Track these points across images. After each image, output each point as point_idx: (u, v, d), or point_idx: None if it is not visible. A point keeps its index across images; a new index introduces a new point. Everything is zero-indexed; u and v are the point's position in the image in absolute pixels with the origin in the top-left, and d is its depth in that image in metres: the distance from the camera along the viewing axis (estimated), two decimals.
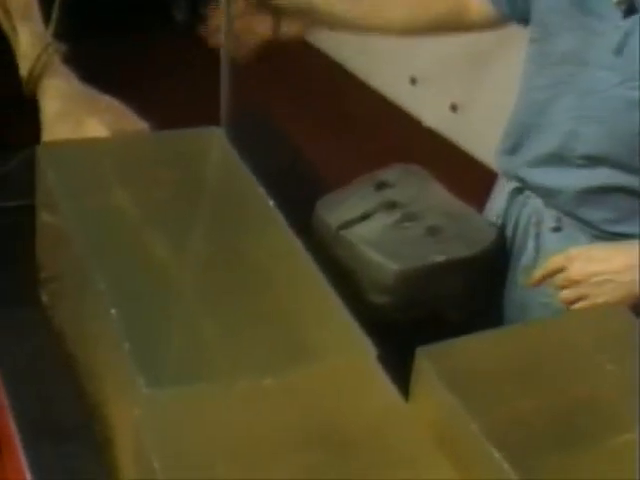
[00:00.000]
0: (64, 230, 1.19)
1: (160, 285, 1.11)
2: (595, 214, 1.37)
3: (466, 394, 0.95)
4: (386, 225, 1.31)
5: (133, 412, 0.94)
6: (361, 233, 1.30)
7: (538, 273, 1.31)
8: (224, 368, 1.00)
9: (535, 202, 1.43)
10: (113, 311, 1.02)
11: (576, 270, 1.26)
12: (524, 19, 1.43)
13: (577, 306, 1.26)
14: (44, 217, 1.28)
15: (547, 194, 1.41)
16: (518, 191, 1.46)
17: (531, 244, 1.43)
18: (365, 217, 1.32)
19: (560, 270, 1.28)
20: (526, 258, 1.43)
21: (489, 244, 1.34)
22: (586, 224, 1.39)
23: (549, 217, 1.42)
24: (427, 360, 0.97)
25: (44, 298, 1.31)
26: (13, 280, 1.35)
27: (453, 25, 1.53)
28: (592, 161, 1.35)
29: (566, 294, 1.27)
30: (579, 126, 1.34)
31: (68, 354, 1.22)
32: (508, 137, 1.46)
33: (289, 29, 1.51)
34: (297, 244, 1.15)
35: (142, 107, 1.49)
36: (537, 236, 1.43)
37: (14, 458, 1.15)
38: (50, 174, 1.24)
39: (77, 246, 1.14)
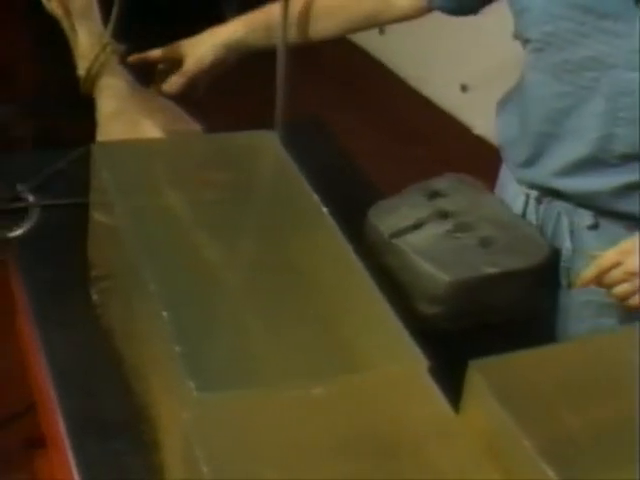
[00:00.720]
0: (116, 229, 1.20)
1: (210, 287, 1.11)
2: (633, 205, 1.36)
3: (519, 410, 0.94)
4: (438, 235, 1.30)
5: (182, 415, 0.94)
6: (413, 242, 1.29)
7: (591, 272, 1.28)
8: (273, 373, 0.99)
9: (563, 204, 1.42)
10: (164, 313, 1.02)
11: (633, 262, 1.25)
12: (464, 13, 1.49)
13: (635, 299, 1.25)
14: (97, 216, 1.29)
15: (582, 197, 1.40)
16: (539, 199, 1.45)
17: (567, 245, 1.42)
18: (417, 226, 1.31)
19: (614, 266, 1.26)
20: (563, 260, 1.42)
21: (541, 256, 1.32)
22: (624, 217, 1.38)
23: (583, 216, 1.41)
24: (480, 374, 0.96)
25: (94, 296, 1.32)
26: (63, 277, 1.36)
27: (379, 22, 1.60)
28: (629, 158, 1.34)
29: (624, 288, 1.26)
30: (614, 128, 1.33)
31: (116, 352, 1.23)
32: (522, 149, 1.44)
33: None
34: (349, 250, 1.14)
35: (195, 109, 1.50)
36: (572, 236, 1.42)
37: (61, 455, 1.16)
38: (104, 173, 1.24)
39: (129, 246, 1.15)
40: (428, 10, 1.53)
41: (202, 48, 1.52)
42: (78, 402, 1.19)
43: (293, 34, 1.52)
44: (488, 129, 3.01)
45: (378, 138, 3.00)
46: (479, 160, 2.78)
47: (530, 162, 1.43)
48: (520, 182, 1.47)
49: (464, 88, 3.06)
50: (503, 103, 1.51)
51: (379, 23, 1.61)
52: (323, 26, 1.55)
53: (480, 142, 2.99)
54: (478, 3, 1.49)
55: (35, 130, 2.76)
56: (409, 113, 3.15)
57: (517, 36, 1.42)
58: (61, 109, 2.53)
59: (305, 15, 1.53)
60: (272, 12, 1.50)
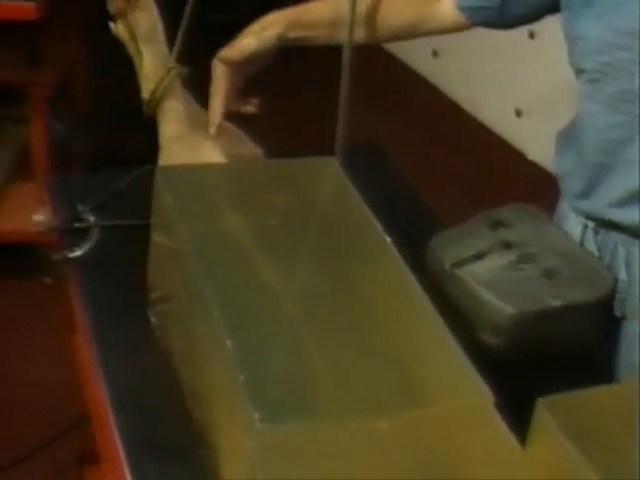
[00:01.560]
0: (178, 253, 1.20)
1: (272, 314, 1.11)
2: None
3: (587, 447, 0.92)
4: (501, 265, 1.29)
5: (246, 445, 0.94)
6: (475, 272, 1.28)
7: None
8: (337, 405, 0.98)
9: (619, 235, 1.40)
10: (228, 341, 1.02)
11: None
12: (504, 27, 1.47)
13: None
14: (158, 239, 1.29)
15: (638, 229, 1.38)
16: (596, 229, 1.43)
17: (622, 276, 1.40)
18: (480, 256, 1.29)
19: None
20: (618, 291, 1.39)
21: (605, 289, 1.30)
22: None
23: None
24: (548, 411, 0.94)
25: (153, 318, 1.32)
26: (123, 298, 1.36)
27: (418, 33, 1.57)
28: None
29: None
30: None
31: (175, 375, 1.23)
32: (578, 180, 1.42)
33: None
34: (413, 281, 1.14)
35: (257, 132, 1.50)
36: (627, 267, 1.40)
37: (118, 477, 1.16)
38: (167, 197, 1.25)
39: (191, 270, 1.15)
40: (468, 26, 1.51)
41: (247, 38, 1.48)
42: (136, 425, 1.19)
43: (330, 36, 1.51)
44: (542, 155, 2.99)
45: (430, 161, 2.99)
46: (533, 186, 2.77)
47: (586, 193, 1.42)
48: (577, 213, 1.46)
49: (518, 113, 3.03)
50: (562, 133, 1.50)
51: (418, 34, 1.59)
52: (360, 33, 1.52)
53: (534, 168, 2.97)
54: (519, 19, 1.47)
55: (95, 147, 2.80)
56: (462, 137, 3.14)
57: (571, 64, 1.40)
58: (121, 126, 2.56)
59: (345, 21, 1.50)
60: (313, 10, 1.48)
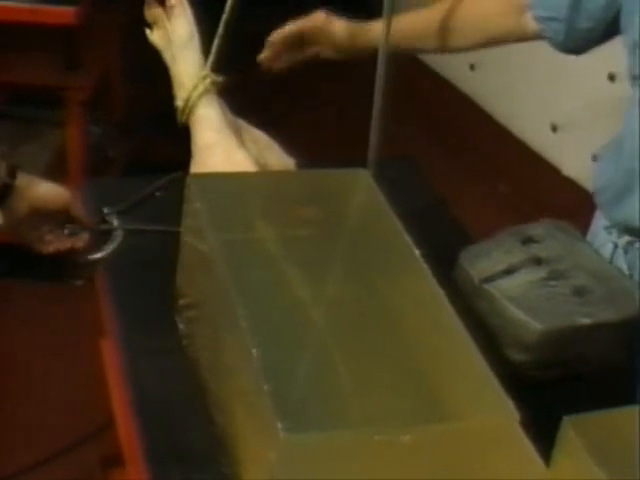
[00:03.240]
0: (208, 261, 1.20)
1: (299, 325, 1.11)
2: None
3: (613, 468, 0.91)
4: (531, 282, 1.28)
5: (268, 454, 0.94)
6: (505, 288, 1.27)
7: None
8: (361, 417, 0.98)
9: None
10: (254, 350, 1.02)
11: None
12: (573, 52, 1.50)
13: None
14: (187, 245, 1.30)
15: None
16: (630, 244, 1.42)
17: None
18: (509, 272, 1.29)
19: None
20: None
21: (635, 309, 1.29)
22: None
23: None
24: (574, 430, 0.93)
25: (180, 325, 1.33)
26: (151, 304, 1.37)
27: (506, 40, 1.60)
28: None
29: None
30: None
31: (200, 382, 1.23)
32: (612, 188, 1.42)
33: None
34: (441, 295, 1.13)
35: (289, 142, 1.50)
36: None
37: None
38: (198, 204, 1.25)
39: (220, 279, 1.15)
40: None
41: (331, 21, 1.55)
42: (160, 431, 1.19)
43: (425, 44, 1.60)
44: (577, 170, 2.97)
45: (464, 174, 2.98)
46: (567, 201, 2.75)
47: (620, 200, 1.41)
48: (611, 223, 1.45)
49: (554, 128, 3.02)
50: (605, 147, 1.49)
51: (500, 44, 1.62)
52: (454, 40, 1.57)
53: (568, 183, 2.95)
54: (587, 35, 1.46)
55: (129, 152, 2.82)
56: (497, 151, 3.13)
57: (628, 71, 1.39)
58: (155, 133, 2.58)
59: (439, 27, 1.56)
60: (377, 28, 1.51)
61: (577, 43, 1.49)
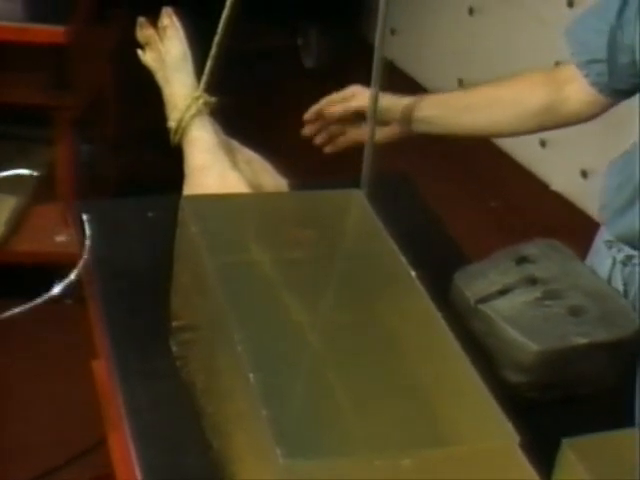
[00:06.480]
0: (203, 284, 1.19)
1: (296, 349, 1.10)
2: None
3: None
4: (526, 302, 1.28)
5: None
6: (500, 308, 1.27)
7: None
8: (360, 442, 0.98)
9: None
10: (251, 375, 1.01)
11: None
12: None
13: None
14: (181, 267, 1.29)
15: None
16: (628, 258, 1.42)
17: None
18: (504, 292, 1.29)
19: None
20: None
21: (632, 329, 1.29)
22: None
23: None
24: (574, 453, 0.93)
25: (174, 347, 1.32)
26: (143, 326, 1.36)
27: (553, 119, 1.53)
28: None
29: None
30: None
31: (195, 406, 1.22)
32: (616, 201, 1.43)
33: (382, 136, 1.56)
34: (438, 317, 1.13)
35: (283, 163, 1.50)
36: None
37: None
38: (191, 226, 1.25)
39: (216, 302, 1.14)
40: (603, 107, 1.49)
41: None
42: (156, 455, 1.19)
43: (453, 125, 1.59)
44: (566, 185, 2.99)
45: (454, 191, 2.99)
46: (555, 217, 2.76)
47: (623, 213, 1.42)
48: (612, 235, 1.45)
49: (543, 143, 3.03)
50: (612, 162, 1.49)
51: (547, 126, 1.56)
52: (476, 120, 1.57)
53: (557, 198, 2.96)
54: (630, 71, 1.43)
55: (119, 172, 2.81)
56: (486, 166, 3.14)
57: None
58: (146, 153, 2.58)
59: (468, 106, 1.57)
60: (423, 106, 1.57)
61: (621, 80, 1.45)
